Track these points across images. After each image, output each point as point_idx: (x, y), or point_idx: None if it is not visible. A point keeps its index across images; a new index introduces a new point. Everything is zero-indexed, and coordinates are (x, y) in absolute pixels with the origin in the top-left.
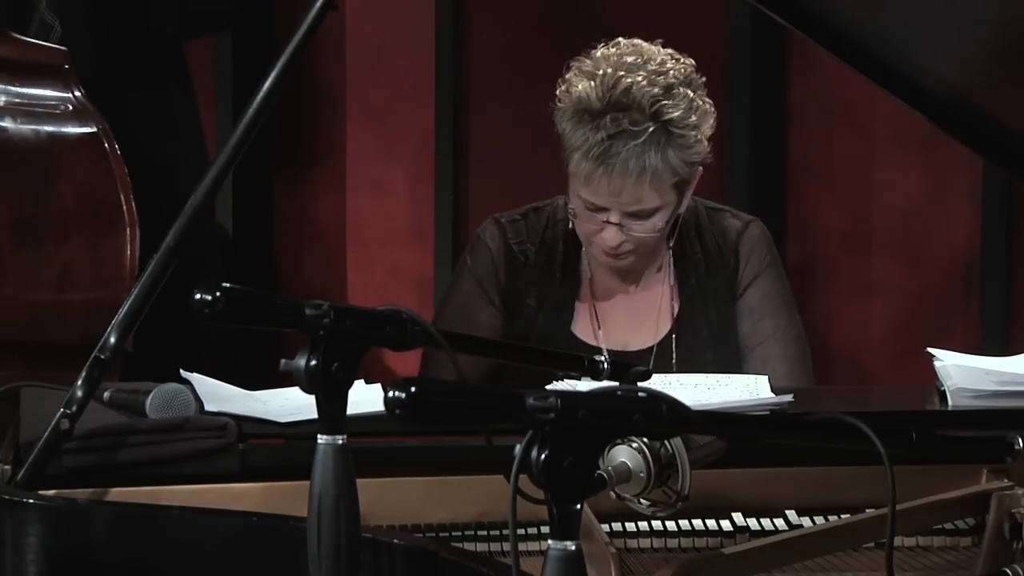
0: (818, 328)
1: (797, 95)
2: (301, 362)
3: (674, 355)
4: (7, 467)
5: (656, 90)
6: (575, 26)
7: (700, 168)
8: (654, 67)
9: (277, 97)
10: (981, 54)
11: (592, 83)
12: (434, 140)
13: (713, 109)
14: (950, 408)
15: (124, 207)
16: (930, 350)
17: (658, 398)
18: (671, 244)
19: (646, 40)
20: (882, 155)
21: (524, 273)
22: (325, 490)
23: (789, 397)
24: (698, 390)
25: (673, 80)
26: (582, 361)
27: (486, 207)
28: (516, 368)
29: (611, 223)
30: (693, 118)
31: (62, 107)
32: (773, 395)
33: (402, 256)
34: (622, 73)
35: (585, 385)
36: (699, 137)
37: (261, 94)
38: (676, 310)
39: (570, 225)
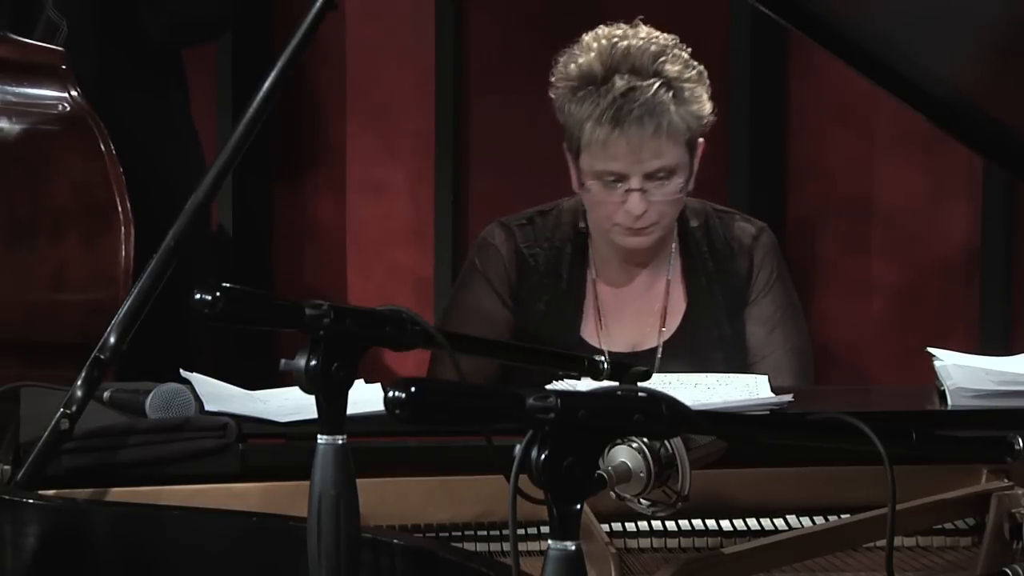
0: (818, 328)
1: (797, 95)
2: (301, 362)
3: (683, 354)
4: (7, 467)
5: (653, 48)
6: (575, 26)
7: (702, 140)
8: (644, 34)
9: (277, 97)
10: (981, 54)
11: (591, 54)
12: (434, 140)
13: (706, 73)
14: (950, 408)
15: (119, 206)
16: (930, 350)
17: (658, 398)
18: (676, 242)
19: None
20: (882, 155)
21: (534, 276)
22: (325, 490)
23: (789, 397)
24: (698, 390)
25: (665, 43)
26: (582, 361)
27: (486, 207)
28: (526, 370)
29: (633, 190)
30: (692, 73)
31: (58, 107)
32: (773, 395)
33: (402, 256)
34: (616, 39)
35: (585, 385)
36: (700, 94)
37: (261, 94)
38: (684, 309)
39: (581, 229)
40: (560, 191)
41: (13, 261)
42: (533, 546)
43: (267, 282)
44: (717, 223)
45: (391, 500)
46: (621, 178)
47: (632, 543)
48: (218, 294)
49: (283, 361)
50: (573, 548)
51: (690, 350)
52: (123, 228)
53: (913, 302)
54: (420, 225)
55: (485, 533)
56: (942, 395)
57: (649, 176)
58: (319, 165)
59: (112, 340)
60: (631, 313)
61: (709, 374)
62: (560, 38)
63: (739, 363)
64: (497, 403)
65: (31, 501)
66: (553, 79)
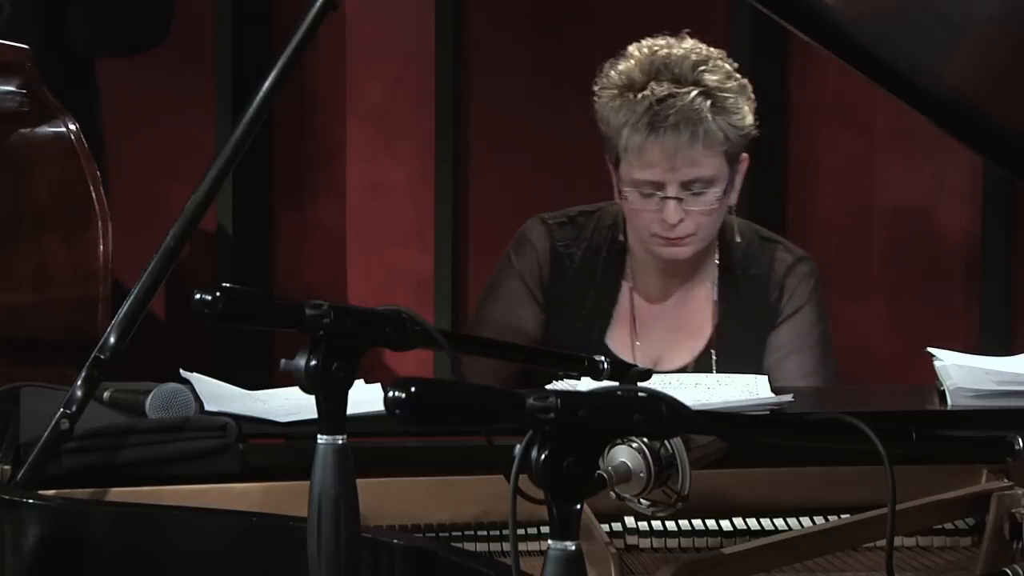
0: None
1: (797, 94)
2: (301, 362)
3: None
4: (7, 467)
5: (694, 57)
6: (575, 26)
7: (746, 156)
8: (688, 45)
9: (277, 97)
10: (981, 53)
11: (631, 62)
12: (434, 140)
13: (750, 88)
14: (950, 408)
15: (95, 201)
16: (930, 350)
17: (658, 398)
18: (718, 259)
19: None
20: (882, 155)
21: (568, 276)
22: (325, 490)
23: (789, 397)
24: (698, 390)
25: (707, 55)
26: (582, 361)
27: (486, 207)
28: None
29: (669, 198)
30: (733, 84)
31: (30, 105)
32: (773, 395)
33: (402, 256)
34: (658, 48)
35: (585, 385)
36: (741, 106)
37: (261, 94)
38: (713, 328)
39: (620, 236)
40: (560, 191)
41: None
42: (533, 546)
43: (267, 282)
44: (758, 248)
45: (391, 500)
46: (658, 187)
47: (632, 543)
48: (218, 294)
49: (283, 361)
50: (573, 548)
51: (721, 369)
52: (100, 223)
53: (913, 302)
54: (420, 225)
55: (485, 533)
56: (942, 395)
57: (686, 185)
58: (319, 165)
59: (112, 340)
60: (663, 327)
61: (709, 374)
62: (560, 39)
63: None
64: (497, 403)
65: (31, 501)
66: (596, 88)
